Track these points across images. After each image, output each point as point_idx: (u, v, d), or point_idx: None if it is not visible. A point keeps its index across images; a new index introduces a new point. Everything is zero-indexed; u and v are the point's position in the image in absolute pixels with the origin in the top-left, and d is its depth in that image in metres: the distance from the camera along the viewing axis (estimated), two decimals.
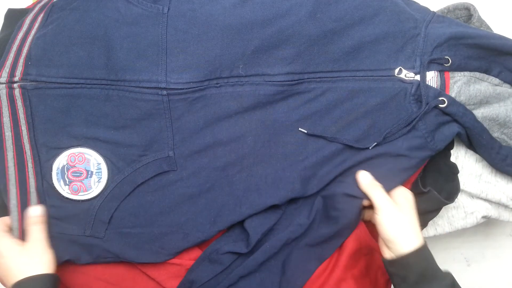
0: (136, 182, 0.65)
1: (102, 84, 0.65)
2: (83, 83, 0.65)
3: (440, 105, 0.66)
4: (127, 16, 0.65)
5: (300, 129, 0.67)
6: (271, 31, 0.65)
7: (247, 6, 0.65)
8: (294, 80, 0.66)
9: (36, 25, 0.67)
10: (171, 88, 0.64)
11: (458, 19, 0.83)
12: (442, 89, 0.67)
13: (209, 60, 0.65)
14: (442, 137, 0.67)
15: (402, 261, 0.59)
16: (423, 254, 0.60)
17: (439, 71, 0.67)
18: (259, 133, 0.66)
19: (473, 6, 0.78)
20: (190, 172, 0.66)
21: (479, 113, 0.70)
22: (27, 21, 0.68)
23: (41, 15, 0.68)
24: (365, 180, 0.65)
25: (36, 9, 0.69)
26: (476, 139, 0.68)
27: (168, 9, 0.65)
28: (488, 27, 0.85)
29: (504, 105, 0.70)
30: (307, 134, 0.66)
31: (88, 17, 0.65)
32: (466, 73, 0.69)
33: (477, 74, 0.70)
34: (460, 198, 0.76)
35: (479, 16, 0.85)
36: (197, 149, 0.66)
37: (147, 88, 0.64)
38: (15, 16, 0.72)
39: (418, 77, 0.66)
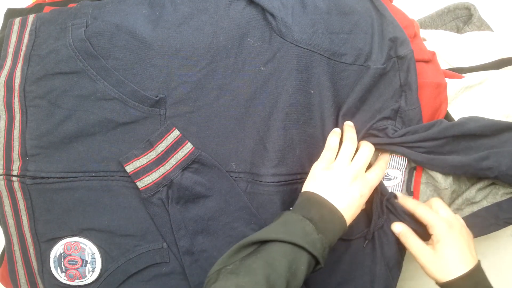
0: (129, 271, 0.68)
1: (101, 176, 0.67)
2: (81, 176, 0.67)
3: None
4: (125, 117, 0.66)
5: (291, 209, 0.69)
6: (262, 132, 0.68)
7: (241, 108, 0.67)
8: (281, 182, 0.68)
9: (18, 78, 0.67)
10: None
11: (459, 19, 0.83)
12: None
13: (206, 153, 0.67)
14: None
15: (449, 287, 0.61)
16: (471, 280, 0.60)
17: None
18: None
19: (473, 6, 0.78)
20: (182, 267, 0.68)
21: None
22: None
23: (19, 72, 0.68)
24: (398, 229, 0.67)
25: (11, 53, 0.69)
26: None
27: (166, 111, 0.67)
28: (488, 26, 0.85)
29: None
30: None
31: (84, 116, 0.66)
32: None
33: None
34: None
35: (479, 16, 0.85)
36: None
37: None
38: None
39: None
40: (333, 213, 0.59)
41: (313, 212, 0.58)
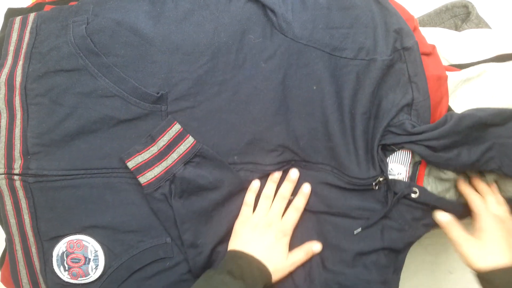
0: (133, 268, 0.67)
1: (103, 173, 0.67)
2: (83, 174, 0.66)
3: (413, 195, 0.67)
4: (127, 114, 0.66)
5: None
6: (263, 127, 0.68)
7: (242, 104, 0.68)
8: (284, 168, 0.69)
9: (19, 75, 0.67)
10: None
11: (457, 17, 0.84)
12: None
13: (208, 147, 0.67)
14: (420, 226, 0.69)
15: (485, 276, 0.62)
16: (507, 275, 0.61)
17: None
18: None
19: (471, 3, 0.78)
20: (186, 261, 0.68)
21: None
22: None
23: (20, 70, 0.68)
24: (445, 218, 0.67)
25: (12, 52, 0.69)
26: None
27: (167, 107, 0.67)
28: (486, 24, 0.86)
29: None
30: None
31: (85, 113, 0.66)
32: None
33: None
34: None
35: (477, 14, 0.85)
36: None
37: None
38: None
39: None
40: (248, 260, 0.65)
41: (230, 264, 0.64)
